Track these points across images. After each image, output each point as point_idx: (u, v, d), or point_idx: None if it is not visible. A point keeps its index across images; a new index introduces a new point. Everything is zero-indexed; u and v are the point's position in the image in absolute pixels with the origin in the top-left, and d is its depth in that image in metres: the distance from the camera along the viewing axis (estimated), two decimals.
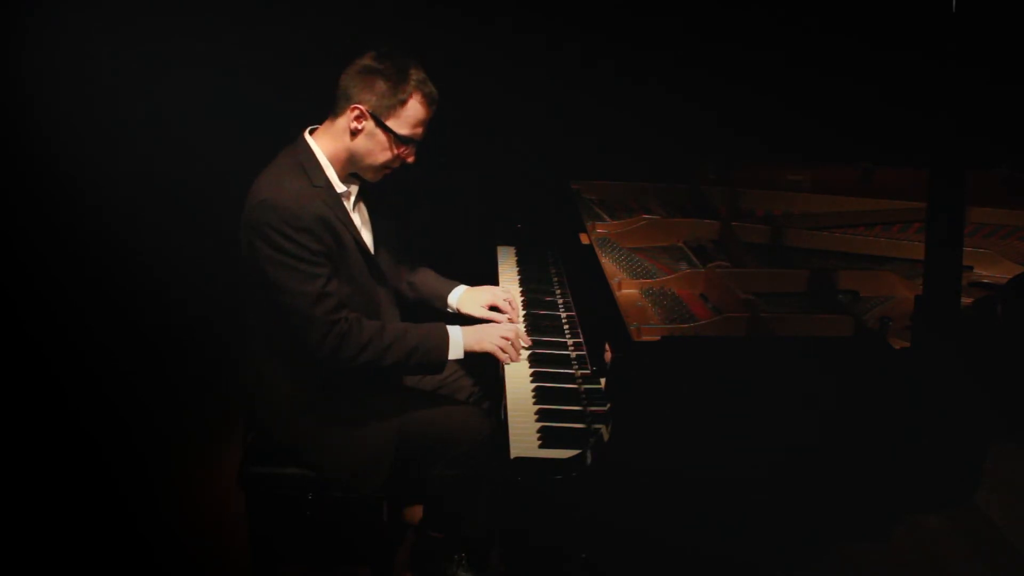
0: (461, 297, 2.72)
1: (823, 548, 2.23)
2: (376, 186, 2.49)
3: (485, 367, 2.76)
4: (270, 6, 3.67)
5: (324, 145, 2.35)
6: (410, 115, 2.31)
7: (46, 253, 3.73)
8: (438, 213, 3.84)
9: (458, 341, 2.42)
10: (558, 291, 2.87)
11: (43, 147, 3.67)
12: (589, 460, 1.92)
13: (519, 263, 3.12)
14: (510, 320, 2.65)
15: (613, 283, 2.43)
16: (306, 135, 2.37)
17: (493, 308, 2.70)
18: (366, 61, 2.31)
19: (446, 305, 2.73)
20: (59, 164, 3.69)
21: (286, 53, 3.71)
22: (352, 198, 2.43)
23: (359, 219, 2.46)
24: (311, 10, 3.69)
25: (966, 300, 2.23)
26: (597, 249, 2.63)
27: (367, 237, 2.48)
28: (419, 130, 2.34)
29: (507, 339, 2.47)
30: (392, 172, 2.41)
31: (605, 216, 2.97)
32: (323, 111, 2.40)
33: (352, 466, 2.39)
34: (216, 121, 3.68)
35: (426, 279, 2.76)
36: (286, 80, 3.69)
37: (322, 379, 2.38)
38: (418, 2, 3.66)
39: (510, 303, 2.71)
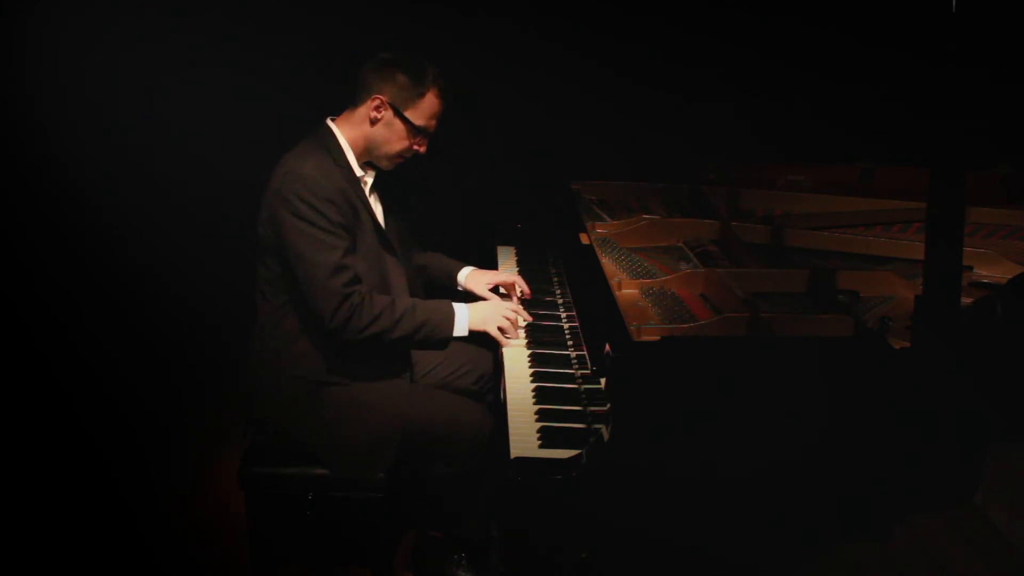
0: (468, 276, 2.84)
1: (823, 548, 2.23)
2: (389, 175, 2.56)
3: (487, 363, 2.77)
4: (271, 7, 3.67)
5: (344, 132, 2.45)
6: (427, 107, 2.42)
7: (46, 253, 3.73)
8: (438, 213, 3.84)
9: (463, 319, 2.49)
10: (558, 291, 2.87)
11: (43, 147, 3.68)
12: (589, 460, 1.92)
13: (519, 263, 3.12)
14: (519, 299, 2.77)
15: (613, 283, 2.43)
16: (328, 122, 2.46)
17: (495, 290, 2.80)
18: (387, 55, 2.43)
19: (455, 283, 2.84)
20: (59, 164, 3.69)
21: (286, 53, 3.71)
22: (369, 184, 2.52)
23: (374, 204, 2.54)
24: (312, 11, 3.69)
25: (966, 300, 2.23)
26: (597, 249, 2.63)
27: (381, 220, 2.55)
28: (433, 122, 2.46)
29: (508, 319, 2.55)
30: (404, 161, 2.51)
31: (605, 216, 2.97)
32: (323, 109, 2.48)
33: (353, 457, 2.41)
34: (217, 121, 3.68)
35: (436, 260, 2.88)
36: (286, 80, 3.69)
37: (329, 362, 2.41)
38: (418, 2, 3.66)
39: (516, 285, 2.79)
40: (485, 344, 2.68)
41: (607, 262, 2.61)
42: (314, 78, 3.59)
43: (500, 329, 2.53)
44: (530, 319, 2.62)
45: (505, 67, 3.76)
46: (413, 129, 2.42)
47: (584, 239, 2.70)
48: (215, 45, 3.66)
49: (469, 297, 2.79)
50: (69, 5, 3.54)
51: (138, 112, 3.73)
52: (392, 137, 2.43)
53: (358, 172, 2.47)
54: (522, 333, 2.57)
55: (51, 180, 3.71)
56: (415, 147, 2.46)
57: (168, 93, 3.72)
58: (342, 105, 2.47)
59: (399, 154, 2.47)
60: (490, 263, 3.12)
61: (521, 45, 3.77)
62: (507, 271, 3.00)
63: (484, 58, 3.71)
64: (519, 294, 2.79)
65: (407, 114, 2.40)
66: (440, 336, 2.47)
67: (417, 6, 3.65)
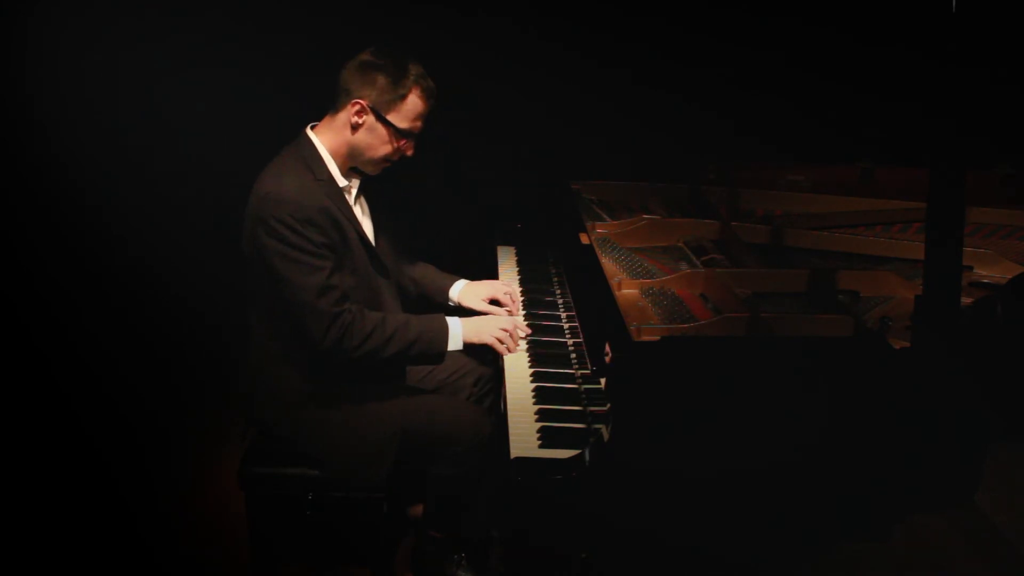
0: (462, 291, 2.76)
1: (823, 548, 2.23)
2: (376, 181, 2.51)
3: (487, 365, 2.76)
4: (269, 6, 3.67)
5: (325, 140, 2.38)
6: (409, 109, 2.35)
7: (46, 253, 3.73)
8: (438, 213, 3.84)
9: (457, 332, 2.46)
10: (558, 291, 2.87)
11: (43, 147, 3.68)
12: (589, 460, 1.92)
13: (519, 263, 3.11)
14: (510, 313, 2.69)
15: (613, 283, 2.43)
16: (308, 131, 2.40)
17: (493, 302, 2.73)
18: (366, 56, 2.35)
19: (447, 299, 2.77)
20: (59, 164, 3.69)
21: (286, 53, 3.71)
22: (353, 192, 2.46)
23: (360, 213, 2.49)
24: (311, 10, 3.69)
25: (966, 300, 2.23)
26: (597, 249, 2.63)
27: (368, 231, 2.51)
28: (418, 123, 2.39)
29: (505, 331, 2.51)
30: (392, 165, 2.45)
31: (605, 216, 2.97)
32: (322, 110, 2.43)
33: (353, 458, 2.40)
34: (216, 121, 3.68)
35: (426, 273, 2.81)
36: (286, 80, 3.69)
37: (324, 372, 2.40)
38: (418, 2, 3.66)
39: (511, 296, 2.74)
40: (485, 346, 2.68)
41: (607, 262, 2.61)
42: (314, 78, 3.59)
43: (498, 340, 2.50)
44: (529, 332, 2.57)
45: (505, 67, 3.76)
46: (397, 132, 2.35)
47: (584, 239, 2.70)
48: (215, 45, 3.66)
49: (464, 312, 2.71)
50: (69, 5, 3.54)
51: (138, 112, 3.73)
52: (376, 142, 2.36)
53: (341, 183, 2.40)
54: (523, 344, 2.53)
55: (51, 180, 3.70)
56: (401, 150, 2.40)
57: (168, 93, 3.72)
58: (324, 111, 2.41)
59: (385, 159, 2.40)
60: (490, 263, 3.12)
61: (521, 45, 3.77)
62: (504, 277, 2.97)
63: (484, 58, 3.71)
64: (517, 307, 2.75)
65: (389, 117, 2.33)
66: (435, 351, 2.44)
67: (417, 6, 3.65)
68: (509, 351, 2.49)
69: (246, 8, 3.64)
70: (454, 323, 2.47)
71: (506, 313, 2.69)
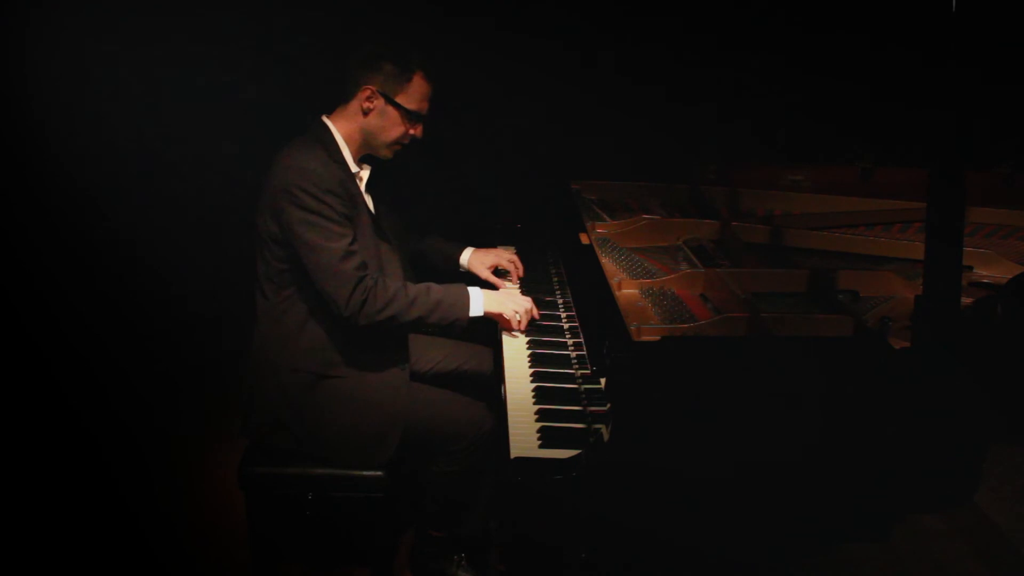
0: (470, 258, 2.91)
1: (823, 548, 2.23)
2: (386, 172, 2.58)
3: (487, 363, 2.77)
4: (271, 7, 3.67)
5: (340, 127, 2.49)
6: (416, 90, 2.46)
7: (46, 253, 3.73)
8: (438, 213, 3.84)
9: (478, 300, 2.51)
10: (558, 291, 2.87)
11: (43, 147, 3.68)
12: (589, 460, 1.92)
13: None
14: (518, 278, 2.90)
15: (613, 283, 2.43)
16: (324, 118, 2.49)
17: (497, 271, 2.88)
18: (370, 46, 2.46)
19: (457, 265, 2.90)
20: (59, 164, 3.69)
21: (287, 53, 3.71)
22: (364, 179, 2.55)
23: (369, 199, 2.56)
24: (310, 11, 3.70)
25: (966, 300, 2.23)
26: (597, 249, 2.63)
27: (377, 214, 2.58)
28: (425, 104, 2.50)
29: (518, 311, 2.56)
30: (403, 148, 2.54)
31: (605, 216, 2.97)
32: (322, 106, 2.50)
33: (356, 444, 2.42)
34: (216, 121, 3.69)
35: (433, 243, 2.93)
36: (286, 80, 3.70)
37: (330, 358, 2.43)
38: (418, 2, 3.67)
39: (513, 263, 2.89)
40: (485, 343, 2.68)
41: (607, 262, 2.61)
42: (314, 78, 3.60)
43: (515, 313, 2.55)
44: (538, 315, 2.61)
45: (505, 67, 3.76)
46: (407, 114, 2.46)
47: (584, 239, 2.70)
48: (215, 45, 3.66)
49: (471, 280, 2.80)
50: (69, 5, 3.54)
51: (138, 112, 3.74)
52: (387, 124, 2.46)
53: (353, 168, 2.49)
54: (524, 344, 2.55)
55: (51, 180, 3.71)
56: (411, 132, 2.50)
57: (168, 93, 3.73)
58: (335, 103, 2.49)
59: (396, 141, 2.50)
60: None
61: (521, 45, 3.77)
62: (505, 277, 2.98)
63: (484, 58, 3.71)
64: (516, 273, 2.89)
65: (398, 100, 2.44)
66: (455, 316, 2.47)
67: (417, 6, 3.65)
68: (521, 328, 2.55)
69: (246, 8, 3.64)
70: (475, 292, 2.51)
71: (512, 280, 2.88)
